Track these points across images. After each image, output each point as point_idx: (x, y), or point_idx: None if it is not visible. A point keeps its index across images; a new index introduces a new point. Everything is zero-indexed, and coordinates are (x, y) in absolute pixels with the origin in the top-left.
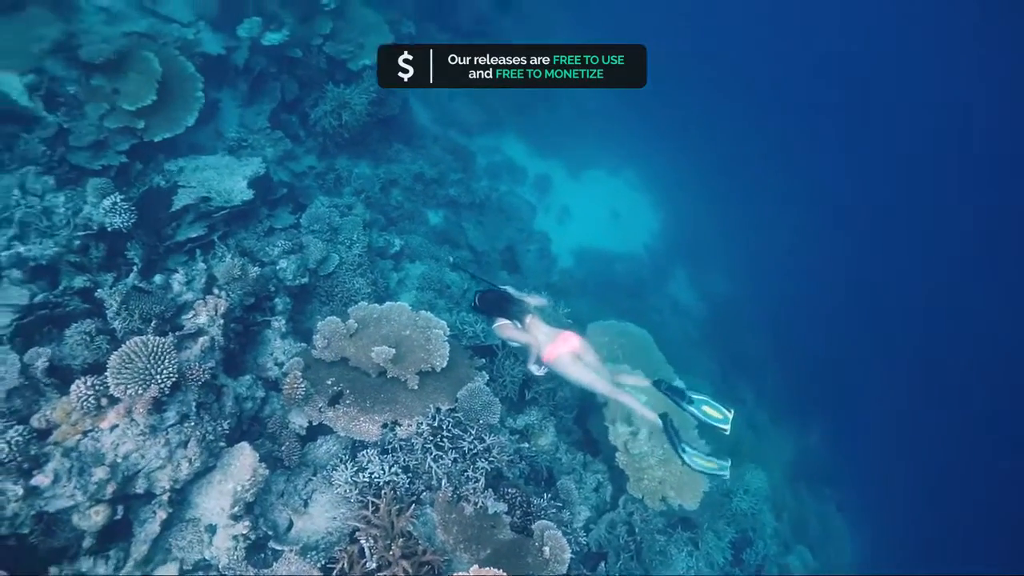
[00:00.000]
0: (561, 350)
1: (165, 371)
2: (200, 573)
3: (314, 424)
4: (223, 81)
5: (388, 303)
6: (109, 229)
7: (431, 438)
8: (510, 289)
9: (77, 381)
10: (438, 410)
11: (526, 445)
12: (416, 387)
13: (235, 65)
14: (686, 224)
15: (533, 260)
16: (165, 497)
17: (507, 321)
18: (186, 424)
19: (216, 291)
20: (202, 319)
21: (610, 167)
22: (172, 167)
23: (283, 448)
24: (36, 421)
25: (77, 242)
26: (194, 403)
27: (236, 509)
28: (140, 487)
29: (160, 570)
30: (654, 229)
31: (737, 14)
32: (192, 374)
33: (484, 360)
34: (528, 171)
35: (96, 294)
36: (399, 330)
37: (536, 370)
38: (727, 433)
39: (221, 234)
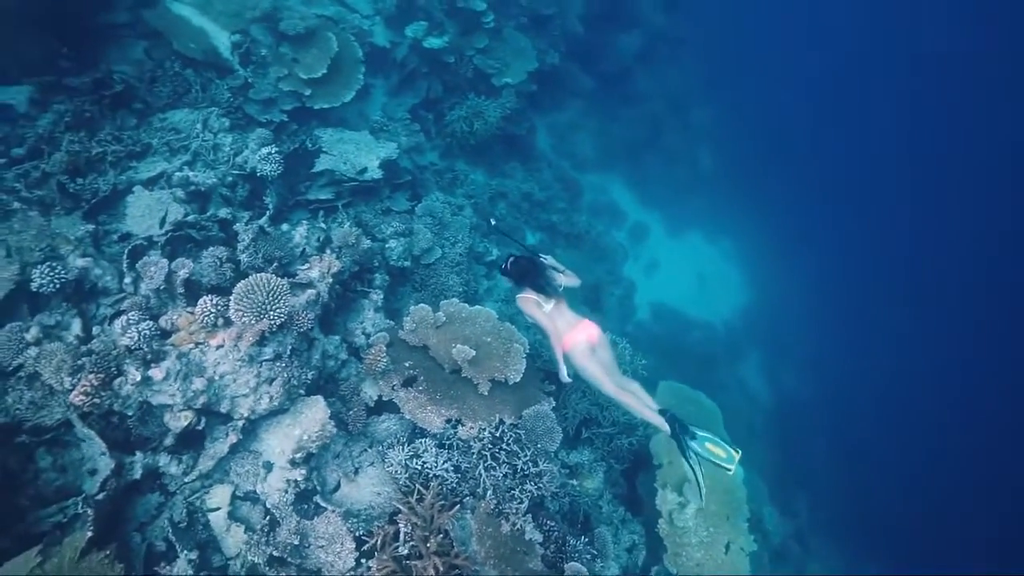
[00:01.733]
0: (578, 338)
1: (278, 309)
2: (249, 503)
3: (383, 399)
4: (379, 70)
5: (477, 306)
6: (258, 174)
7: (489, 447)
8: (549, 259)
9: (204, 297)
10: (502, 422)
11: (573, 482)
12: (486, 393)
13: (394, 58)
14: (771, 309)
15: (614, 304)
16: (240, 423)
17: (532, 295)
18: (277, 363)
19: (328, 252)
20: (314, 273)
21: (708, 233)
22: (321, 133)
23: (351, 413)
24: (163, 322)
25: (230, 178)
26: (290, 347)
27: (297, 456)
28: (223, 407)
29: (216, 487)
30: (737, 305)
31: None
32: (298, 320)
33: (553, 387)
34: (628, 217)
35: (234, 227)
36: (481, 335)
37: (564, 375)
38: (731, 473)
39: (345, 203)
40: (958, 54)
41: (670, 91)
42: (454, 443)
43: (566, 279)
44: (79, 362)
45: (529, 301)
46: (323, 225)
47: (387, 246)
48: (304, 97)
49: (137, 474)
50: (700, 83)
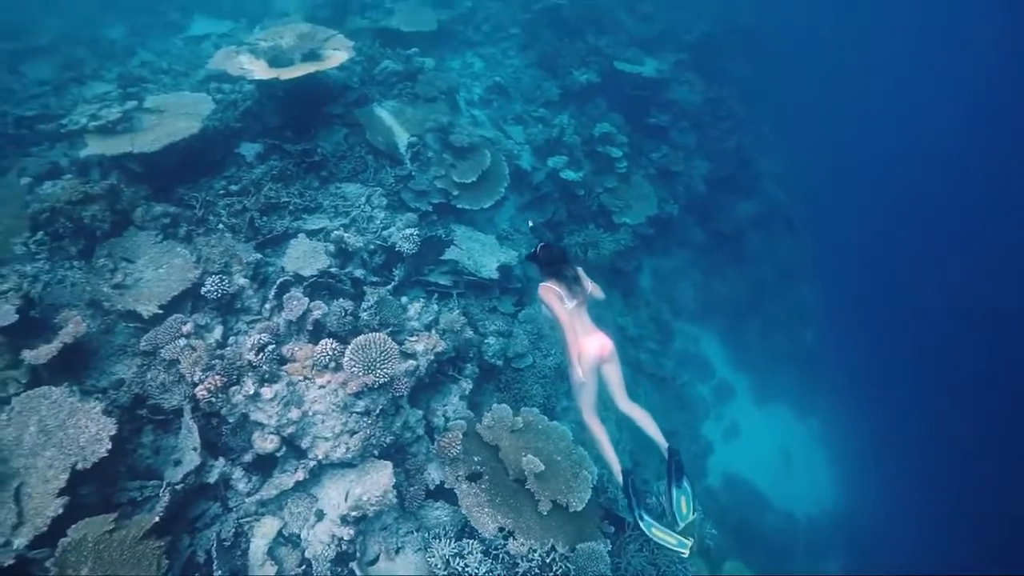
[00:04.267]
0: (590, 348)
1: (384, 369)
2: (289, 546)
3: (444, 486)
4: (516, 187)
5: (555, 423)
6: (396, 249)
7: (536, 571)
8: (579, 270)
9: (326, 339)
10: (554, 548)
11: None
12: (545, 513)
13: (531, 181)
14: (862, 509)
15: (685, 460)
16: (312, 464)
17: (556, 287)
18: (365, 419)
19: (434, 332)
20: (420, 347)
21: (799, 410)
22: (455, 228)
23: (411, 489)
24: (286, 350)
25: (372, 247)
26: (380, 407)
27: (351, 514)
28: (304, 443)
29: (267, 518)
30: (823, 497)
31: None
32: (396, 385)
33: (612, 528)
34: (716, 373)
35: (364, 287)
36: (553, 452)
37: (576, 378)
38: (685, 556)
39: (459, 292)
40: None
41: (779, 261)
42: (500, 555)
43: (592, 289)
44: (212, 362)
45: (551, 292)
46: (435, 307)
47: (486, 341)
48: (451, 196)
49: (213, 478)
50: (810, 259)
